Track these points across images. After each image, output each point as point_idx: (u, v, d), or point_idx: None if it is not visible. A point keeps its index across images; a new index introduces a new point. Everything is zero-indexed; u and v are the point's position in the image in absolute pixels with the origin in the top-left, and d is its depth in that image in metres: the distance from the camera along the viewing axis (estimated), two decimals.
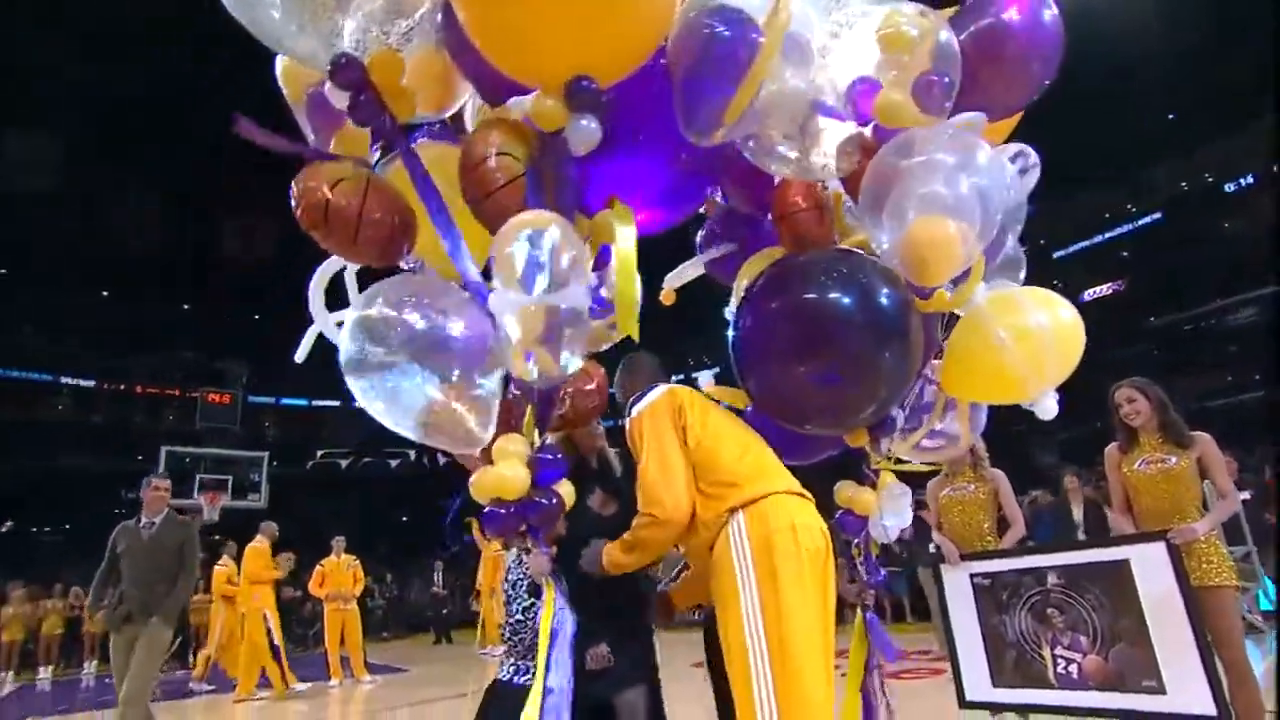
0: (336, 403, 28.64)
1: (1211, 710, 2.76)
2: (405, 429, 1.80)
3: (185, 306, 24.63)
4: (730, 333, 2.31)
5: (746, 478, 1.99)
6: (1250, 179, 20.38)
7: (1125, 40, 16.38)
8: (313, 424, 29.05)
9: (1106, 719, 3.09)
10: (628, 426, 2.14)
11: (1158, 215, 22.70)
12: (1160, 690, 2.91)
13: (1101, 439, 3.54)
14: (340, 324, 2.09)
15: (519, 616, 2.16)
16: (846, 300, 2.05)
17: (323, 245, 1.96)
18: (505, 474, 1.81)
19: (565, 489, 1.92)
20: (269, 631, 7.74)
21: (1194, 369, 18.76)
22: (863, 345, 2.04)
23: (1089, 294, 23.11)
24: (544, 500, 1.85)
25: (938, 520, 3.87)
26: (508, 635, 2.17)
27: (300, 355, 2.30)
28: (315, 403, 29.36)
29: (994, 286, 2.26)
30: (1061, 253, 24.67)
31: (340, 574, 8.53)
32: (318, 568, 8.60)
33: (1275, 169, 19.10)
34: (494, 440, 1.86)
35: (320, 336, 2.31)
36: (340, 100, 1.86)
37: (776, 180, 2.45)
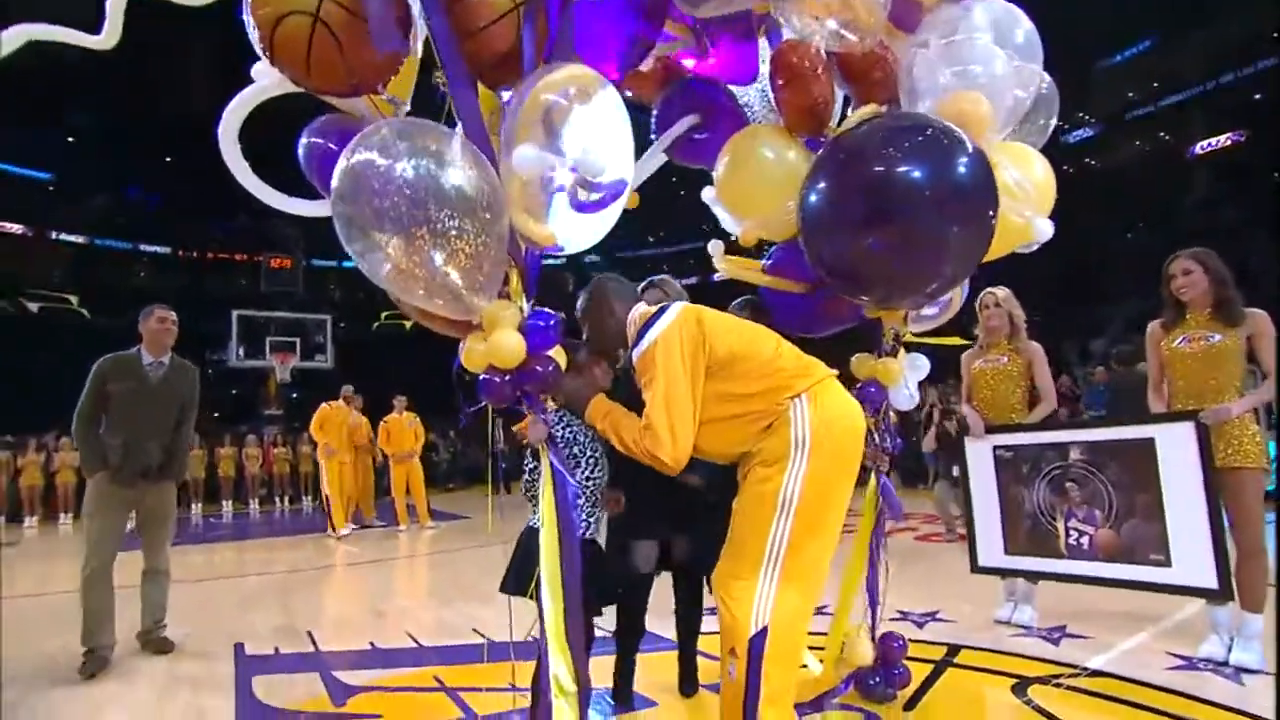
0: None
1: (1213, 583, 2.81)
2: (399, 291, 1.74)
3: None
4: (800, 196, 2.28)
5: (794, 371, 1.99)
6: None
7: None
8: (375, 286, 29.82)
9: (1110, 588, 3.18)
10: (636, 358, 2.00)
11: None
12: (1166, 563, 2.96)
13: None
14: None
15: (528, 476, 2.29)
16: (933, 170, 2.03)
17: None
18: (500, 341, 1.78)
19: (560, 355, 1.92)
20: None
21: None
22: (949, 216, 2.05)
23: (1201, 146, 20.51)
24: (540, 367, 1.84)
25: (968, 391, 3.83)
26: (524, 490, 2.32)
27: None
28: None
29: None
30: (1175, 98, 21.71)
31: (402, 431, 9.04)
32: (381, 424, 9.13)
33: None
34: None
35: None
36: None
37: (771, 46, 2.46)
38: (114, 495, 3.66)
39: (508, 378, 1.85)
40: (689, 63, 2.75)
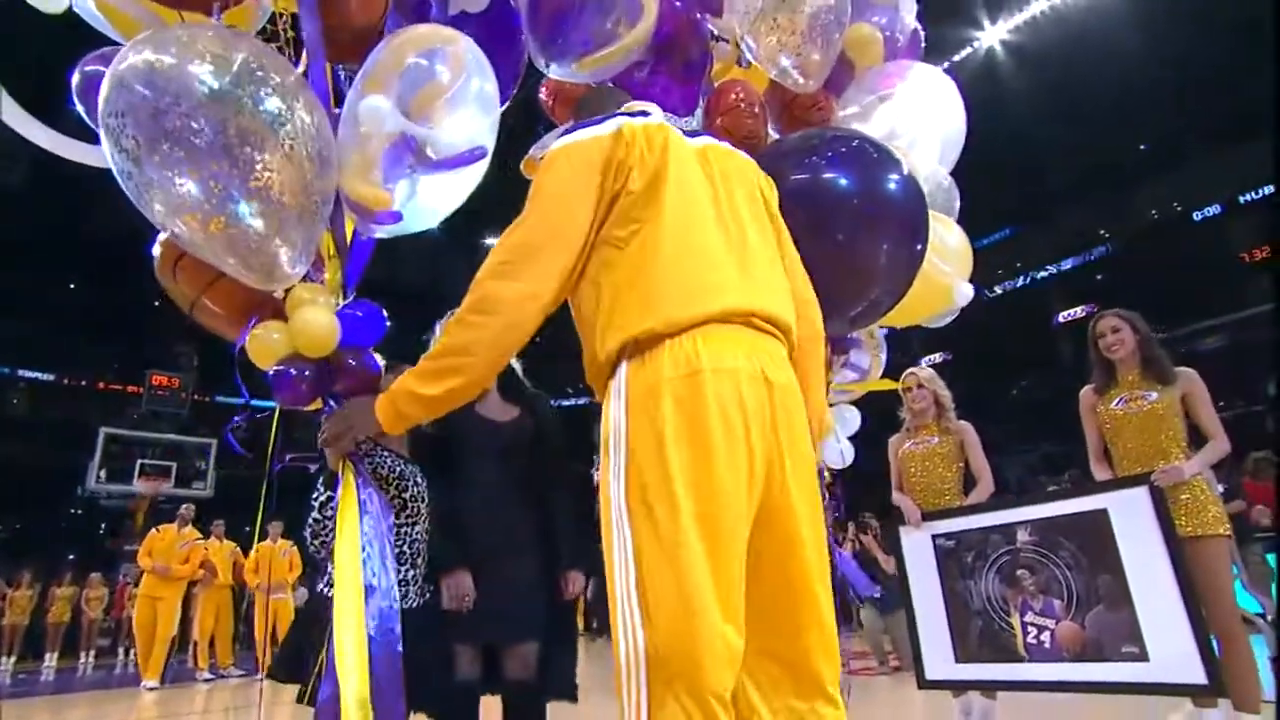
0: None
1: (1201, 679, 2.38)
2: (188, 241, 1.36)
3: (156, 303, 23.93)
4: None
5: (674, 289, 1.16)
6: (1217, 209, 20.23)
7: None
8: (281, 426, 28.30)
9: (1084, 693, 2.71)
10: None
11: (1131, 239, 22.88)
12: (1143, 657, 2.53)
13: (1074, 457, 3.26)
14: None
15: (316, 514, 1.81)
16: (864, 179, 1.97)
17: None
18: (310, 319, 1.42)
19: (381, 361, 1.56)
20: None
21: None
22: (878, 228, 1.97)
23: (1062, 316, 23.16)
24: (355, 362, 1.47)
25: (898, 479, 3.49)
26: (309, 539, 1.83)
27: None
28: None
29: None
30: (1038, 274, 24.88)
31: (275, 561, 7.82)
32: (251, 553, 7.95)
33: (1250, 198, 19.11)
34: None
35: None
36: None
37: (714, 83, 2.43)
38: None
39: (308, 372, 1.44)
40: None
